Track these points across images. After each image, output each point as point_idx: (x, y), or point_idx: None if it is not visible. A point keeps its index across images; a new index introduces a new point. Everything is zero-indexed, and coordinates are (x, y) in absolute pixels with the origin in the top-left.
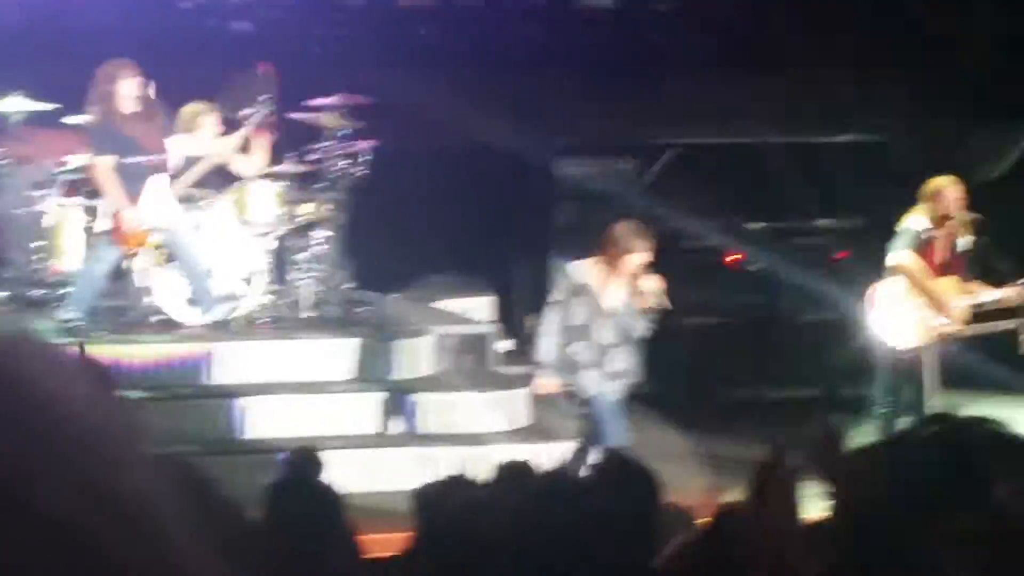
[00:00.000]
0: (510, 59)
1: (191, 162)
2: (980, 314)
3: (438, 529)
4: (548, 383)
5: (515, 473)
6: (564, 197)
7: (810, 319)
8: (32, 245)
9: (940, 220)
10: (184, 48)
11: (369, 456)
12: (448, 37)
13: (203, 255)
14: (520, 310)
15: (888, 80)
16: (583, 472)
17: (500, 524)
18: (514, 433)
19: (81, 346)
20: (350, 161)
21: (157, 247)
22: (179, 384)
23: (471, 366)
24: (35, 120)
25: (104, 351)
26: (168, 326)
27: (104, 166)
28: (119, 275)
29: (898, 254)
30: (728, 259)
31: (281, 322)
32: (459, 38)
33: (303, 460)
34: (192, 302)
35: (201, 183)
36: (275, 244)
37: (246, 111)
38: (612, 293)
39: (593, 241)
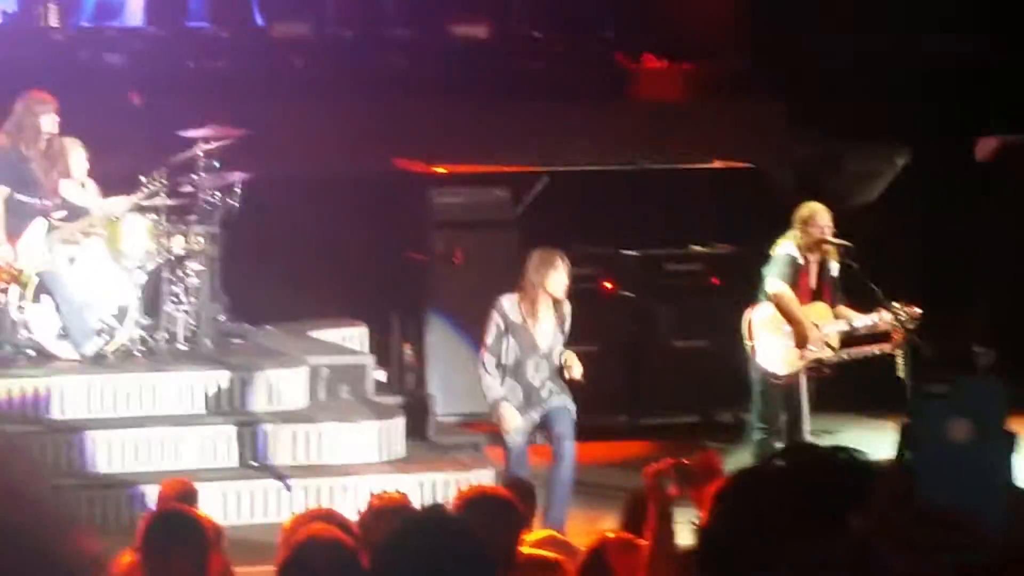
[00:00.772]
0: (384, 89)
1: (71, 205)
2: (852, 339)
3: (302, 563)
4: (508, 414)
5: (386, 505)
6: (439, 226)
7: (685, 345)
8: None
9: (812, 246)
10: (57, 80)
11: (240, 488)
12: (321, 68)
13: (77, 289)
14: (396, 340)
15: (760, 105)
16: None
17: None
18: (389, 464)
19: None
20: (223, 193)
21: (29, 282)
22: (53, 418)
23: (346, 396)
24: None
25: None
26: (43, 360)
27: None
28: None
29: (773, 282)
30: (603, 286)
31: (154, 355)
32: (332, 69)
33: (179, 492)
34: (65, 336)
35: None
36: (147, 278)
37: (143, 178)
38: (544, 331)
39: (467, 270)
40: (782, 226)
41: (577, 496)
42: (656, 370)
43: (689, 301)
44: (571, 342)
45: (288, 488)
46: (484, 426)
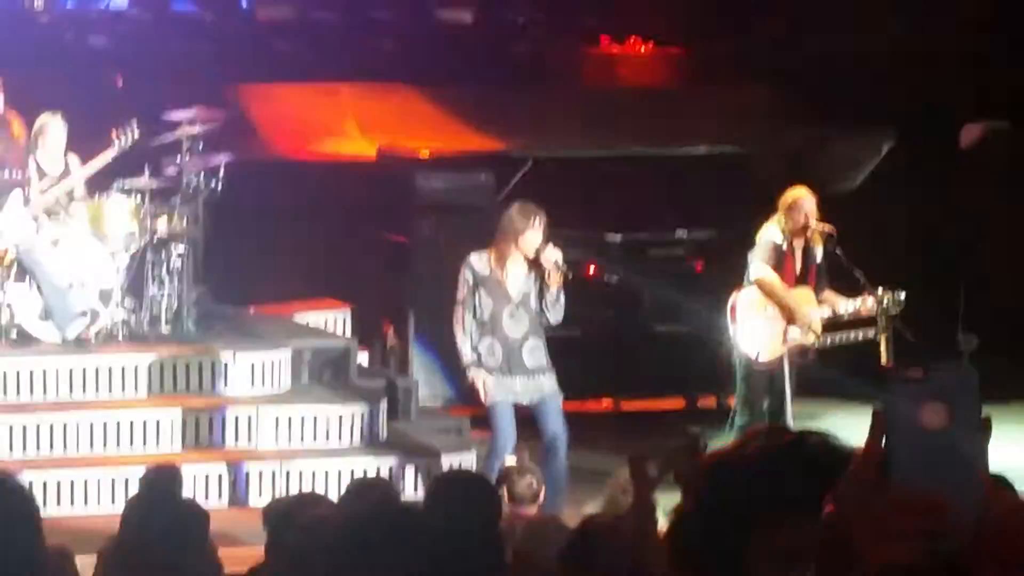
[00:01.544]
0: (368, 72)
1: (49, 177)
2: (836, 324)
3: (285, 545)
4: (480, 379)
5: (366, 488)
6: (423, 210)
7: (669, 330)
8: None
9: (797, 231)
10: (42, 61)
11: (223, 471)
12: (305, 51)
13: (60, 271)
14: (379, 323)
15: (745, 90)
16: (426, 488)
17: (346, 540)
18: (372, 447)
19: None
20: (207, 175)
21: (11, 262)
22: (35, 401)
23: (329, 379)
24: None
25: None
26: (24, 342)
27: None
28: None
29: (757, 267)
30: (587, 271)
31: (137, 338)
32: (316, 51)
33: (164, 477)
34: (47, 318)
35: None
36: (130, 260)
37: (114, 134)
38: (515, 279)
39: (450, 255)
40: (767, 211)
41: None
42: (639, 355)
43: (673, 286)
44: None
45: None
46: (466, 409)
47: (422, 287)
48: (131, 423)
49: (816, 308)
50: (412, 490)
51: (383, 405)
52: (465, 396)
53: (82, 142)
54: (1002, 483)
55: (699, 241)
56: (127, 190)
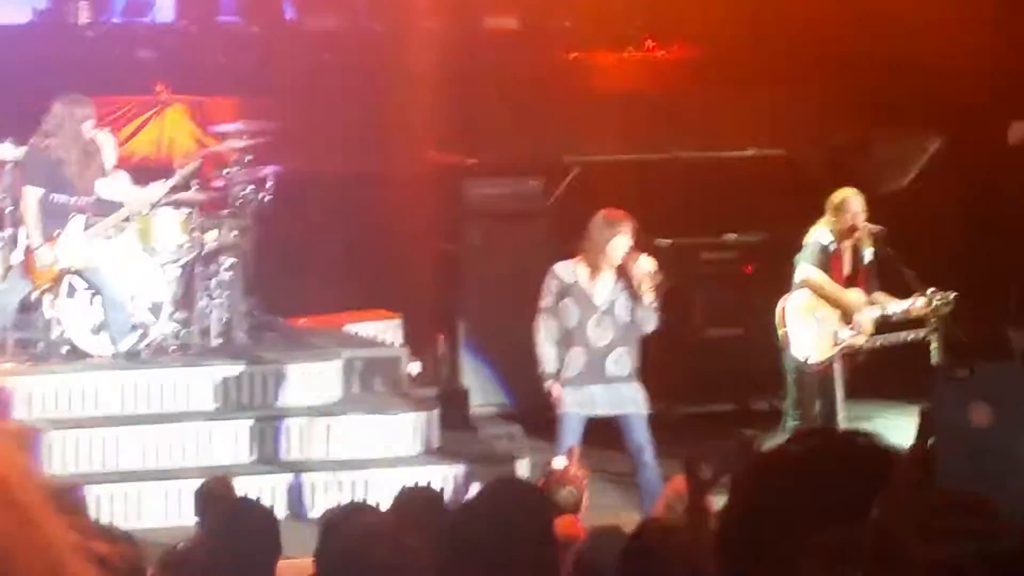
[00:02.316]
0: (416, 81)
1: (107, 202)
2: (887, 325)
3: (338, 555)
4: (556, 391)
5: (419, 498)
6: (473, 218)
7: (720, 334)
8: None
9: (845, 232)
10: (88, 77)
11: (276, 482)
12: (353, 61)
13: (111, 284)
14: (430, 332)
15: (791, 92)
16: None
17: (400, 550)
18: (424, 456)
19: None
20: (255, 187)
21: (64, 278)
22: (88, 415)
23: (381, 389)
24: None
25: (16, 382)
26: (76, 356)
27: (32, 197)
28: (29, 306)
29: (804, 268)
30: None
31: (188, 350)
32: (364, 62)
33: (221, 488)
34: (100, 332)
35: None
36: (180, 272)
37: (179, 163)
38: (603, 287)
39: (500, 262)
40: (815, 213)
41: (613, 484)
42: (691, 359)
43: (723, 289)
44: None
45: None
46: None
47: (472, 295)
48: (183, 435)
49: (867, 309)
50: (466, 497)
51: (436, 413)
52: (517, 402)
53: (131, 157)
54: None
55: (750, 244)
56: (176, 203)
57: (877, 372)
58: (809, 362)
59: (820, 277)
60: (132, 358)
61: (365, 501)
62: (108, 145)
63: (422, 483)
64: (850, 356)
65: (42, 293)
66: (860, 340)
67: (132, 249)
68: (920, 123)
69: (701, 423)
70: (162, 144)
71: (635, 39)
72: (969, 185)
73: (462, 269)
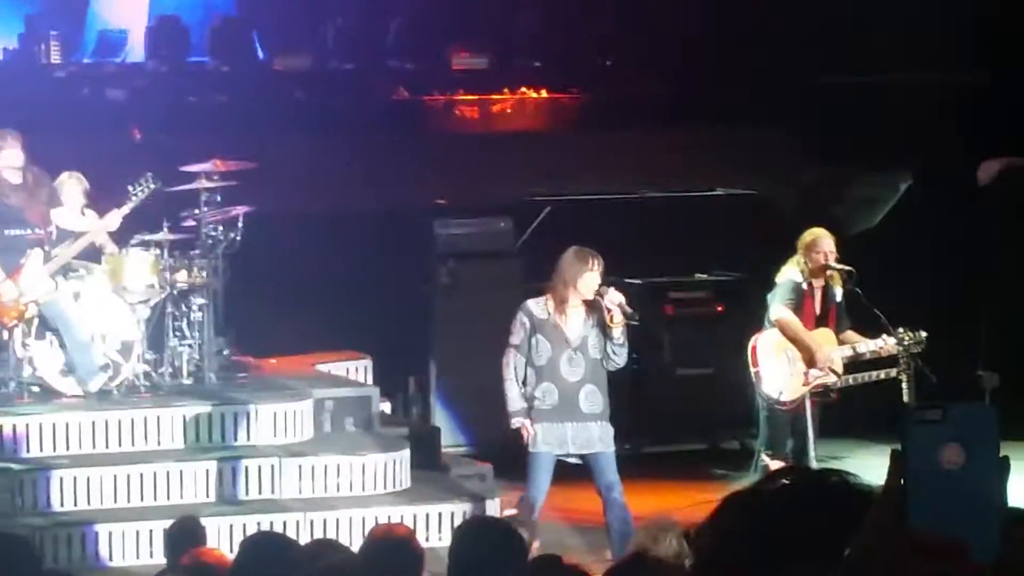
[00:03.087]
0: (386, 120)
1: (67, 234)
2: (858, 364)
3: None
4: (526, 427)
5: (385, 536)
6: (442, 257)
7: (690, 373)
8: None
9: (816, 271)
10: (59, 116)
11: (248, 522)
12: (323, 100)
13: (81, 324)
14: (400, 371)
15: (762, 132)
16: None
17: None
18: (395, 496)
19: None
20: (225, 227)
21: (32, 318)
22: (58, 454)
23: (352, 429)
24: None
25: None
26: (47, 396)
27: None
28: (0, 345)
29: (776, 308)
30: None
31: (159, 390)
32: (335, 100)
33: (190, 527)
34: (69, 372)
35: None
36: (150, 312)
37: (131, 187)
38: (574, 323)
39: (470, 301)
40: (786, 252)
41: (579, 526)
42: (661, 398)
43: (693, 329)
44: None
45: None
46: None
47: (442, 334)
48: (154, 475)
49: (837, 348)
50: (436, 537)
51: (406, 453)
52: (488, 442)
53: (101, 197)
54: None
55: (720, 283)
56: (146, 243)
57: (849, 411)
58: (781, 399)
59: (792, 319)
60: (103, 398)
61: (329, 539)
62: (72, 183)
63: (392, 522)
64: (821, 395)
65: (11, 331)
66: (831, 379)
67: (101, 289)
68: (891, 162)
69: (671, 462)
70: None
71: (601, 80)
72: (940, 225)
73: (432, 308)
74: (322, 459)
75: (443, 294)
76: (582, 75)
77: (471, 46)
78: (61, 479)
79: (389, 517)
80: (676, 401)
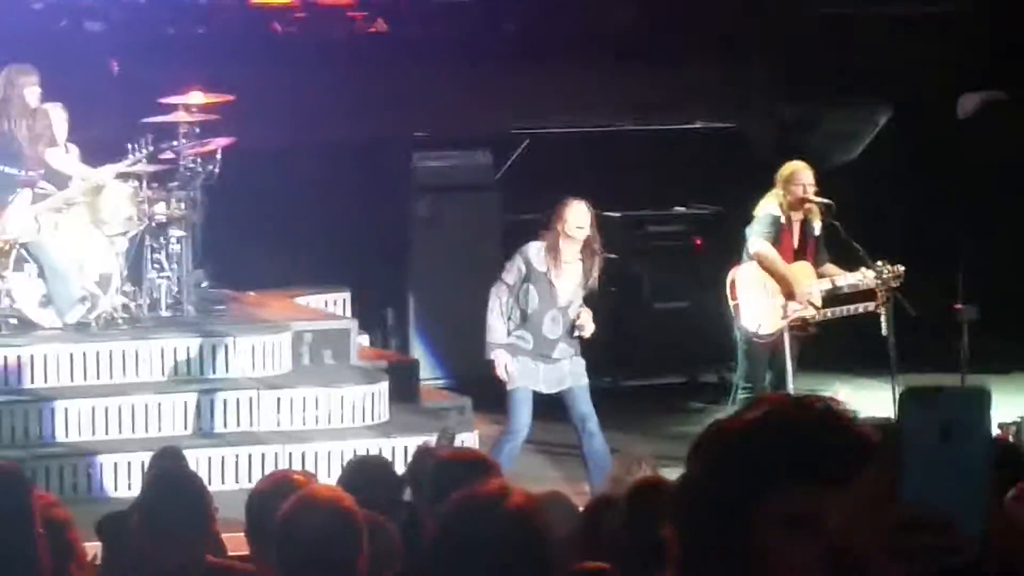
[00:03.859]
0: (364, 52)
1: (56, 174)
2: (836, 298)
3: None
4: (503, 361)
5: (364, 467)
6: (421, 190)
7: (668, 307)
8: None
9: (795, 204)
10: (37, 49)
11: (225, 454)
12: (301, 33)
13: (59, 256)
14: (379, 305)
15: (740, 66)
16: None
17: (337, 517)
18: (374, 428)
19: None
20: (204, 159)
21: (11, 249)
22: (36, 386)
23: (330, 361)
24: None
25: None
26: (25, 328)
27: None
28: None
29: (756, 241)
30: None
31: (137, 323)
32: (312, 34)
33: (171, 456)
34: (47, 304)
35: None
36: (129, 245)
37: (130, 146)
38: (566, 282)
39: (448, 234)
40: (764, 187)
41: (557, 458)
42: (639, 331)
43: (672, 262)
44: None
45: None
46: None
47: (421, 267)
48: (132, 408)
49: (815, 282)
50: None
51: (384, 386)
52: (466, 375)
53: (80, 130)
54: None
55: (698, 217)
56: (124, 175)
57: (828, 344)
58: (759, 334)
59: (771, 252)
60: (82, 330)
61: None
62: (59, 119)
63: (371, 454)
64: (800, 328)
65: None
66: (809, 312)
67: (80, 221)
68: (870, 95)
69: (650, 396)
70: None
71: (583, 11)
72: (918, 158)
73: (411, 241)
74: (300, 392)
75: (422, 227)
76: (562, 7)
77: None
78: (39, 411)
79: (368, 449)
80: (654, 335)
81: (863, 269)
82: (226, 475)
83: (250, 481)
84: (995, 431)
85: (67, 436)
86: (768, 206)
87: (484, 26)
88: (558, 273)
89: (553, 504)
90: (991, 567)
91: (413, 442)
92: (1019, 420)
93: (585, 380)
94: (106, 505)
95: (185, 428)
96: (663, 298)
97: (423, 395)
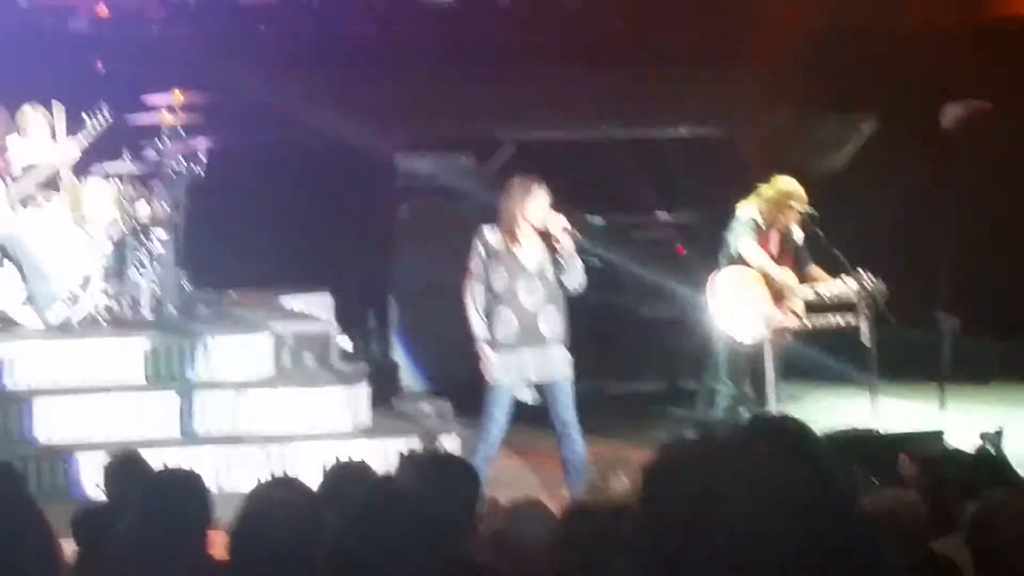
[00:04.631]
0: (350, 55)
1: (28, 165)
2: (819, 307)
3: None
4: (487, 353)
5: (348, 472)
6: (405, 192)
7: (652, 313)
8: None
9: (775, 218)
10: (22, 47)
11: (204, 454)
12: (288, 33)
13: (41, 256)
14: (360, 307)
15: (725, 73)
16: (402, 470)
17: (327, 524)
18: (354, 432)
19: None
20: (188, 159)
21: None
22: (17, 387)
23: (311, 364)
24: None
25: None
26: (6, 327)
27: None
28: None
29: (745, 242)
30: None
31: (119, 323)
32: (298, 34)
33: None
34: (29, 303)
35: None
36: (111, 245)
37: (87, 116)
38: (530, 250)
39: (431, 238)
40: (748, 195)
41: (538, 463)
42: (622, 337)
43: (655, 268)
44: None
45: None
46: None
47: (403, 270)
48: (112, 408)
49: (799, 288)
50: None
51: (365, 388)
52: (447, 379)
53: (64, 127)
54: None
55: (682, 224)
56: (107, 175)
57: (809, 352)
58: (740, 340)
59: (759, 253)
60: (63, 329)
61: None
62: (36, 117)
63: (351, 458)
64: (779, 335)
65: None
66: (791, 320)
67: (62, 220)
68: (855, 104)
69: (631, 401)
70: None
71: (570, 16)
72: (902, 167)
73: (393, 244)
74: (281, 393)
75: (404, 230)
76: (549, 12)
77: None
78: (20, 410)
79: (348, 452)
80: (637, 340)
81: (845, 277)
82: (205, 476)
83: (230, 482)
84: (976, 441)
85: (47, 435)
86: (749, 210)
87: (471, 29)
88: (516, 244)
89: (531, 511)
90: None
91: (393, 445)
92: (999, 429)
93: (569, 373)
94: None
95: (165, 428)
96: (646, 304)
97: (404, 398)
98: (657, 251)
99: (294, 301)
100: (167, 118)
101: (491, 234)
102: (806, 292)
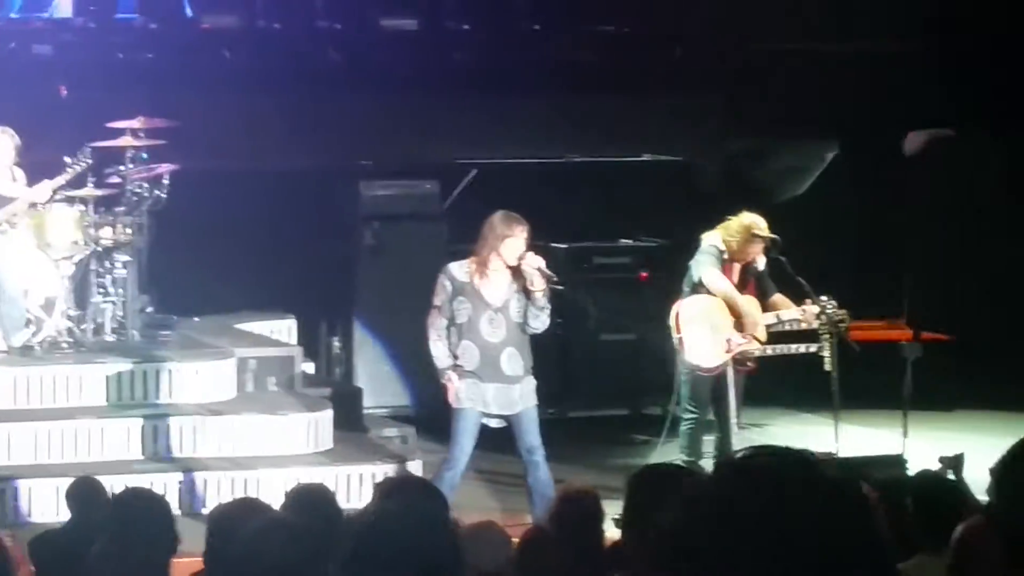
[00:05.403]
0: (313, 81)
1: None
2: (781, 334)
3: (227, 553)
4: (452, 382)
5: (306, 495)
6: (367, 219)
7: (614, 339)
8: None
9: (744, 246)
10: None
11: (168, 480)
12: (251, 59)
13: (4, 280)
14: (324, 332)
15: (690, 99)
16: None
17: (290, 548)
18: (317, 456)
19: None
20: (151, 184)
21: None
22: None
23: (274, 388)
24: None
25: None
26: None
27: None
28: None
29: (707, 271)
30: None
31: (81, 347)
32: (262, 61)
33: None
34: None
35: None
36: (74, 269)
37: (68, 159)
38: (496, 286)
39: (394, 263)
40: (710, 220)
41: (501, 488)
42: (585, 363)
43: (618, 295)
44: None
45: None
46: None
47: (367, 296)
48: (75, 432)
49: (762, 316)
50: (357, 497)
51: (328, 413)
52: (410, 403)
53: (27, 152)
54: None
55: (644, 250)
56: (71, 199)
57: (773, 378)
58: (703, 366)
59: (722, 280)
60: (26, 353)
61: (255, 498)
62: (4, 140)
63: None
64: (741, 362)
65: None
66: (752, 347)
67: (26, 244)
68: (818, 131)
69: (594, 427)
70: None
71: (534, 42)
72: (865, 195)
73: (357, 270)
74: (244, 418)
75: (368, 255)
76: (511, 39)
77: (400, 8)
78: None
79: (311, 477)
80: (600, 366)
81: (807, 303)
82: (168, 500)
83: (193, 506)
84: (935, 465)
85: (9, 459)
86: (713, 238)
87: (433, 56)
88: (483, 280)
89: (485, 534)
90: None
91: (356, 470)
92: (959, 454)
93: (535, 401)
94: (47, 528)
95: (127, 452)
96: (608, 330)
97: (367, 423)
98: (620, 277)
99: (257, 326)
100: (131, 142)
101: (458, 269)
102: (768, 319)
